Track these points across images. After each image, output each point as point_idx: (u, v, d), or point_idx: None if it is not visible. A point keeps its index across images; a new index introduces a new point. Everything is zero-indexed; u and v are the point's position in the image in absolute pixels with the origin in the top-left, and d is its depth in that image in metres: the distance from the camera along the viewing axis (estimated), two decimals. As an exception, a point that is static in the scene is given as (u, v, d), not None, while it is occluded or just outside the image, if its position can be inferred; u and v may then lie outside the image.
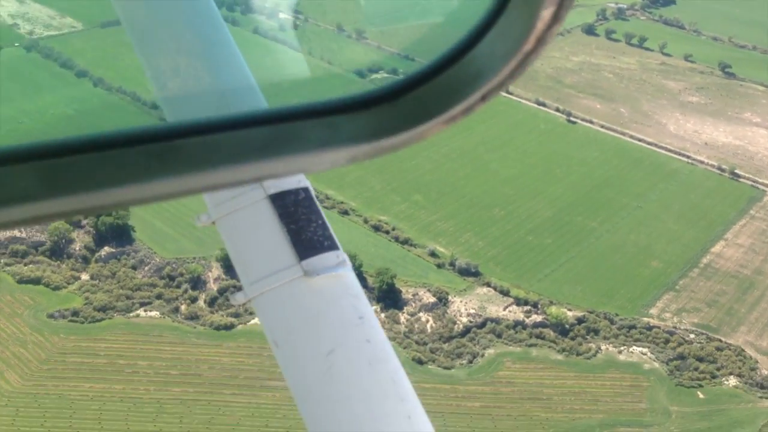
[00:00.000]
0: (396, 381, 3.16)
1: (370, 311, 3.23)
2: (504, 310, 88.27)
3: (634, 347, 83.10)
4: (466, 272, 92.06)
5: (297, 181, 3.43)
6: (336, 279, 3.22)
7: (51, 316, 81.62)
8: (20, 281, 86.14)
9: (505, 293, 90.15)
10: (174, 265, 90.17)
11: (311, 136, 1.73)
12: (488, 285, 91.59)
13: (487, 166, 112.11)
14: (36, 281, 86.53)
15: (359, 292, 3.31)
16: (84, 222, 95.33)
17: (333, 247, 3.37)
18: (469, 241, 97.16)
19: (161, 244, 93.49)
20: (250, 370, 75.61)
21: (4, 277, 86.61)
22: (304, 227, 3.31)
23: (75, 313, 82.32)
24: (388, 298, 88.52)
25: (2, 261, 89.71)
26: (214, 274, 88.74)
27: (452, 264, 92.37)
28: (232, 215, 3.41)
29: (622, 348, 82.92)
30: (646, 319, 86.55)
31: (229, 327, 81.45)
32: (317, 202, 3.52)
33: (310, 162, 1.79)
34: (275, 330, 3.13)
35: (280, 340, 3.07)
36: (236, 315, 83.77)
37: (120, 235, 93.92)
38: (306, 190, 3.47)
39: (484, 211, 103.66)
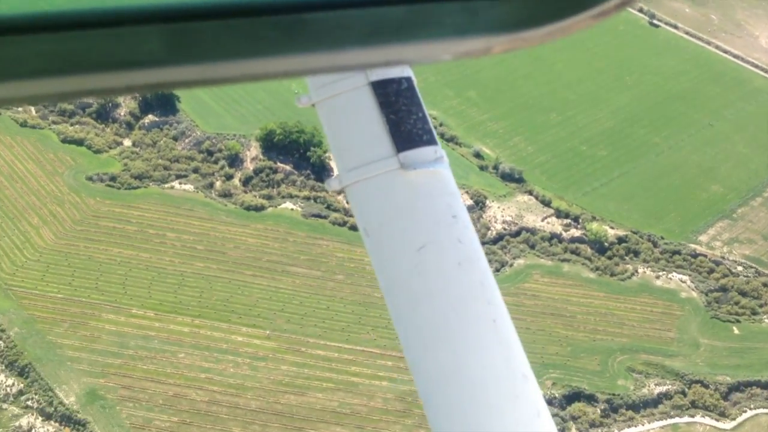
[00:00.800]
0: (484, 284, 3.05)
1: (464, 211, 3.17)
2: (542, 221, 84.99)
3: (674, 274, 79.12)
4: (509, 177, 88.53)
5: (400, 69, 3.28)
6: (432, 175, 3.13)
7: (90, 178, 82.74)
8: (64, 140, 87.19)
9: (546, 203, 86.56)
10: (214, 140, 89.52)
11: (447, 20, 1.56)
12: (530, 193, 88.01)
13: (551, 67, 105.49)
14: (79, 142, 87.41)
15: (455, 190, 3.23)
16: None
17: (432, 141, 3.25)
18: (517, 145, 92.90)
19: (204, 118, 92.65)
20: (273, 253, 75.57)
21: (50, 135, 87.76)
22: (404, 118, 3.21)
23: (113, 178, 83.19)
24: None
25: (50, 119, 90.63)
26: (252, 153, 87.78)
27: (496, 167, 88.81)
28: (332, 99, 3.30)
29: (660, 273, 79.09)
30: (693, 246, 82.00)
31: (259, 208, 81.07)
32: (419, 94, 3.34)
33: (442, 49, 1.61)
34: (367, 219, 3.06)
35: (371, 230, 3.01)
36: (268, 197, 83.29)
37: (165, 105, 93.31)
38: (409, 80, 3.34)
39: (539, 114, 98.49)
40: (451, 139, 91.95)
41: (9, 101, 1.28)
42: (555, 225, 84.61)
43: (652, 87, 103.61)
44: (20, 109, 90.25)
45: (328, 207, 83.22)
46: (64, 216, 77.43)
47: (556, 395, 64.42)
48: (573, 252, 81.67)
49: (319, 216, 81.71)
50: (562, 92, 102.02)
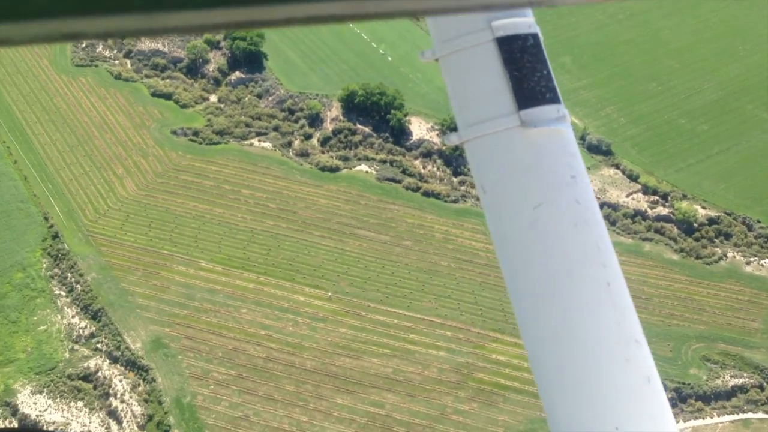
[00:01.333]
0: (600, 246, 3.01)
1: (583, 172, 3.10)
2: (627, 196, 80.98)
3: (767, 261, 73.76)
4: (596, 149, 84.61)
5: (527, 25, 3.25)
6: (554, 134, 3.09)
7: (174, 132, 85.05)
8: (154, 94, 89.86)
9: (633, 179, 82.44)
10: (296, 99, 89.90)
11: None
12: (617, 167, 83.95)
13: (656, 34, 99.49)
14: (168, 96, 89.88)
15: (575, 150, 3.15)
16: (221, 43, 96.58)
17: (555, 100, 3.22)
18: (610, 115, 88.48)
19: (289, 76, 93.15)
20: (343, 215, 75.52)
21: (141, 88, 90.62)
22: (527, 75, 3.16)
23: (195, 133, 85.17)
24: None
25: (143, 72, 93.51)
26: (332, 113, 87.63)
27: (582, 138, 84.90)
28: (456, 55, 3.30)
29: (752, 259, 73.92)
30: (792, 232, 76.04)
31: (334, 169, 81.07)
32: (545, 51, 3.28)
33: None
34: (484, 176, 3.03)
35: (488, 186, 2.99)
36: (344, 159, 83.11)
37: (252, 62, 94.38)
38: (535, 36, 3.29)
39: (638, 83, 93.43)
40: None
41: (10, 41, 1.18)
42: (640, 202, 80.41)
43: (765, 58, 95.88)
44: (116, 61, 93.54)
45: (404, 171, 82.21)
46: (147, 168, 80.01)
47: (621, 380, 61.53)
48: (657, 231, 77.40)
49: (393, 180, 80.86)
50: (665, 60, 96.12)
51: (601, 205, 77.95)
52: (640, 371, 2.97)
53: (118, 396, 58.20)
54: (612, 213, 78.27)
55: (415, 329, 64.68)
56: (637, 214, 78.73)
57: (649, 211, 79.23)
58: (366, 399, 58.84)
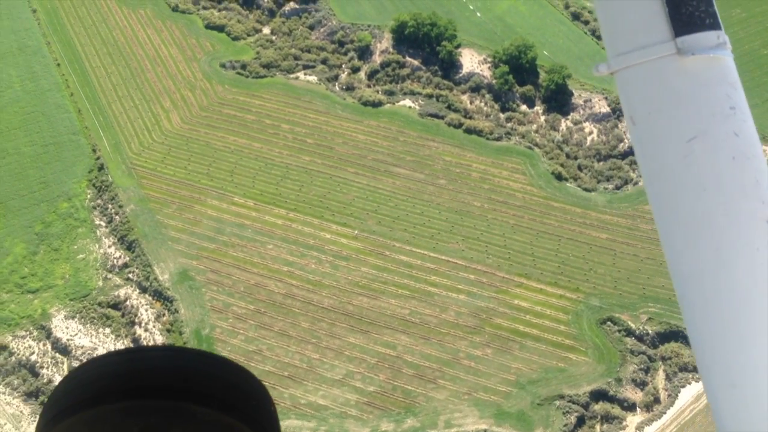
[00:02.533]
0: (760, 182, 2.80)
1: (744, 103, 2.91)
2: (688, 135, 75.29)
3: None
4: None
5: None
6: (712, 62, 2.90)
7: (223, 65, 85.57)
8: (207, 26, 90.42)
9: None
10: (347, 31, 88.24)
11: None
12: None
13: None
14: (220, 29, 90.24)
15: (736, 80, 2.94)
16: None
17: (715, 26, 3.01)
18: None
19: (342, 6, 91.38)
20: (380, 152, 74.41)
21: (196, 20, 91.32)
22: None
23: (243, 66, 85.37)
24: (554, 99, 79.67)
25: (201, 3, 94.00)
26: (382, 45, 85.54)
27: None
28: None
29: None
30: None
31: (376, 104, 79.58)
32: None
33: None
34: (636, 107, 2.93)
35: (639, 118, 2.89)
36: (389, 93, 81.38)
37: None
38: None
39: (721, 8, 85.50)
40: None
41: None
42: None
43: None
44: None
45: (449, 107, 79.70)
46: (193, 101, 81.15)
47: (649, 332, 58.68)
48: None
49: (436, 116, 78.60)
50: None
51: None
52: None
53: (143, 325, 60.76)
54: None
55: (438, 271, 63.64)
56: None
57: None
58: (379, 339, 58.85)
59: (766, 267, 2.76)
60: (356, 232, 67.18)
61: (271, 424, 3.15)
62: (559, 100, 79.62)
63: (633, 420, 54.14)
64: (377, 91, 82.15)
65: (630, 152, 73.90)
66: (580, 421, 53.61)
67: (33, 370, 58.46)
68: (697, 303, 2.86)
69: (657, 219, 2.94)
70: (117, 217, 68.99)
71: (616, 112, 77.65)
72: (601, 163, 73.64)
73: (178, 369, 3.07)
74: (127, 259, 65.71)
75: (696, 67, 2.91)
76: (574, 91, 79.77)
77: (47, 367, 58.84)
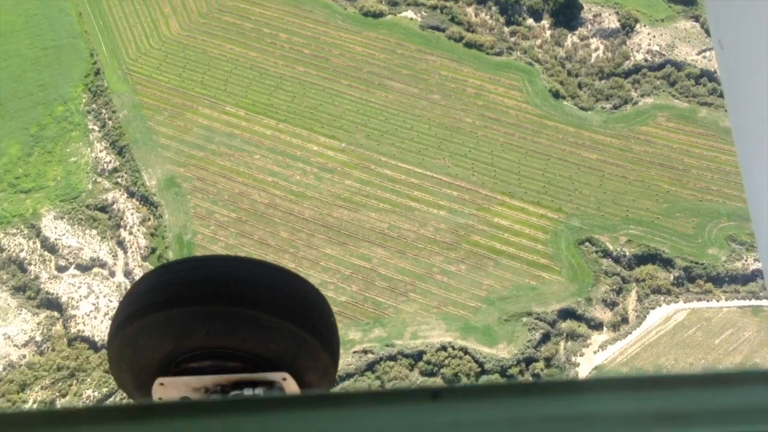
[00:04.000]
0: None
1: None
2: (698, 54, 72.69)
3: None
4: (675, -3, 75.41)
5: None
6: None
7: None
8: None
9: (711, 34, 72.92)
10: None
11: None
12: (696, 19, 74.80)
13: None
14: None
15: None
16: None
17: None
18: (699, -42, 77.54)
19: None
20: (375, 64, 73.23)
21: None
22: None
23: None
24: (562, 14, 76.75)
25: None
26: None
27: (659, -17, 75.69)
28: None
29: (828, 133, 64.93)
30: None
31: (377, 15, 77.76)
32: None
33: None
34: (724, 30, 2.80)
35: (728, 42, 2.76)
36: (393, 3, 79.32)
37: None
38: None
39: None
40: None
41: None
42: (713, 61, 71.70)
43: None
44: None
45: (452, 19, 77.47)
46: (193, 7, 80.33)
47: (627, 253, 58.10)
48: (722, 95, 69.23)
49: (437, 28, 76.60)
50: None
51: (664, 63, 70.90)
52: None
53: (128, 228, 62.32)
54: (674, 72, 70.87)
55: (422, 186, 63.43)
56: (704, 75, 70.83)
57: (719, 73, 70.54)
58: (355, 252, 59.47)
59: None
60: (343, 144, 66.97)
61: (332, 334, 3.49)
62: (567, 14, 76.71)
63: (598, 339, 54.35)
64: (380, 1, 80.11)
65: (634, 70, 71.52)
66: (545, 337, 54.00)
67: (22, 266, 60.78)
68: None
69: (738, 149, 2.82)
70: (110, 122, 69.82)
71: (626, 28, 74.68)
72: (602, 82, 71.41)
73: (245, 278, 3.36)
74: (117, 164, 66.84)
75: None
76: (584, 5, 76.69)
77: (35, 264, 61.08)
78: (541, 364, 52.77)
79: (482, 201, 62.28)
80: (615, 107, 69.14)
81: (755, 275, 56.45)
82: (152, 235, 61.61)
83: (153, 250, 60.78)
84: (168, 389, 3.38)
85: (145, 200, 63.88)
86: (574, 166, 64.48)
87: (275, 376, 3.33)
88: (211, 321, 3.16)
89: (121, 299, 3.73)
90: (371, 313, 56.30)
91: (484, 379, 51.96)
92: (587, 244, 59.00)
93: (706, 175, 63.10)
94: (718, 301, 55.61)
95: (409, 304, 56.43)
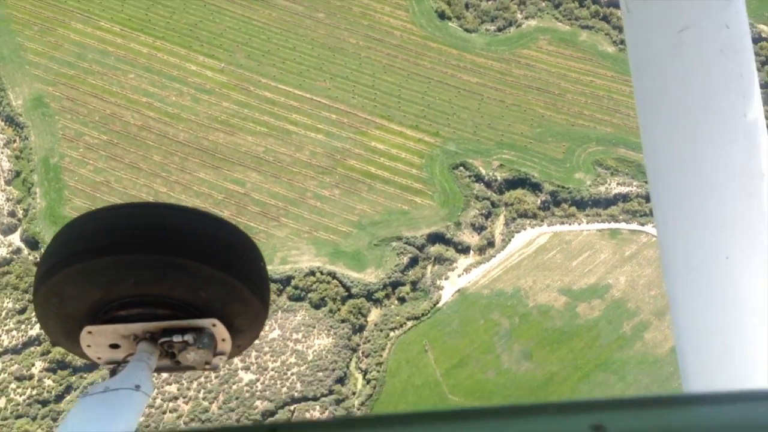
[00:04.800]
0: (744, 75, 2.82)
1: None
2: (585, -24, 72.26)
3: None
4: None
5: None
6: None
7: None
8: None
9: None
10: None
11: None
12: (586, -61, 74.07)
13: None
14: None
15: None
16: None
17: None
18: None
19: None
20: (259, -21, 70.63)
21: None
22: None
23: None
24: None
25: None
26: None
27: None
28: None
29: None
30: (762, 27, 67.67)
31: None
32: None
33: None
34: None
35: (633, 5, 2.82)
36: None
37: None
38: None
39: None
40: None
41: None
42: (599, -17, 71.84)
43: None
44: None
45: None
46: None
47: (498, 178, 59.25)
48: (604, 18, 69.88)
49: (325, -58, 73.93)
50: None
51: (550, -15, 70.35)
52: (759, 205, 2.83)
53: (-8, 151, 60.01)
54: (562, -7, 70.72)
55: (301, 109, 62.71)
56: (597, -3, 70.83)
57: (605, -4, 71.01)
58: (229, 176, 58.92)
59: (737, 160, 2.81)
60: (222, 65, 65.24)
61: (262, 279, 3.44)
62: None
63: (464, 262, 55.95)
64: None
65: (521, -8, 71.11)
66: (413, 261, 55.26)
67: None
68: (668, 190, 2.92)
69: (639, 109, 2.93)
70: (-25, 37, 66.00)
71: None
72: (489, 2, 70.90)
73: (172, 225, 3.27)
74: (-17, 83, 63.62)
75: None
76: None
77: None
78: (407, 288, 54.17)
79: (361, 125, 62.12)
80: (499, 29, 69.01)
81: (617, 199, 58.58)
82: (17, 158, 59.55)
83: (18, 174, 58.88)
84: (96, 337, 3.36)
85: (10, 121, 61.39)
86: (454, 90, 64.62)
87: (205, 322, 3.34)
88: (138, 269, 3.14)
89: (45, 246, 3.42)
90: (242, 238, 56.28)
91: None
92: (461, 168, 59.85)
93: (581, 99, 64.21)
94: (579, 224, 57.65)
95: (281, 229, 56.68)
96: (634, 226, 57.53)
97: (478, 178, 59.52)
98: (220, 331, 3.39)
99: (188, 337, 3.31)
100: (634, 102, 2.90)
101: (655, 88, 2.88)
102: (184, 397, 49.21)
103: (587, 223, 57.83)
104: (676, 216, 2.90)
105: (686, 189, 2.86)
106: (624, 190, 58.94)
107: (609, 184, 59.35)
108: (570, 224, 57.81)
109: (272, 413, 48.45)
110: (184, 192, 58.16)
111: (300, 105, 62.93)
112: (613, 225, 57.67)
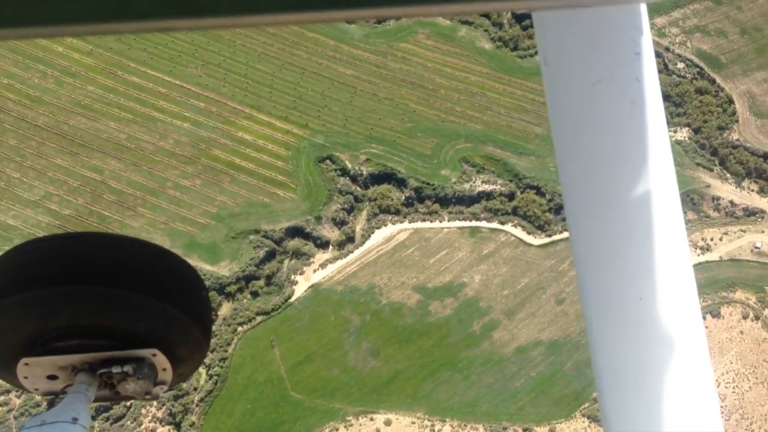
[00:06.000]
0: (654, 125, 2.91)
1: (650, 49, 2.99)
2: (470, -30, 72.16)
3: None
4: None
5: None
6: (623, 7, 3.02)
7: None
8: None
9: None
10: None
11: None
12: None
13: None
14: None
15: (643, 25, 3.02)
16: None
17: None
18: None
19: None
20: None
21: None
22: None
23: None
24: None
25: None
26: None
27: None
28: None
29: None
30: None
31: None
32: None
33: None
34: (548, 48, 2.99)
35: (551, 59, 2.96)
36: None
37: None
38: None
39: None
40: None
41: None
42: (484, -22, 71.77)
43: None
44: None
45: None
46: None
47: (364, 172, 59.14)
48: (484, 14, 69.95)
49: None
50: None
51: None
52: (670, 250, 2.91)
53: None
54: (444, -12, 70.36)
55: (169, 96, 61.40)
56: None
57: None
58: (87, 163, 57.45)
59: (649, 206, 2.87)
60: (91, 47, 63.33)
61: (203, 308, 3.35)
62: None
63: (321, 257, 55.83)
64: None
65: (406, -16, 70.63)
66: (270, 255, 54.90)
67: None
68: (587, 242, 3.01)
69: (558, 157, 3.02)
70: None
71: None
72: (372, -7, 70.29)
73: (110, 255, 3.18)
74: None
75: (607, 11, 2.93)
76: None
77: None
78: (261, 282, 53.83)
79: (229, 114, 61.21)
80: (378, 21, 68.54)
81: (480, 197, 59.11)
82: None
83: None
84: (33, 368, 3.30)
85: None
86: (328, 81, 64.10)
87: (145, 352, 3.29)
88: (77, 301, 3.08)
89: None
90: (94, 227, 55.15)
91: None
92: (328, 161, 59.55)
93: (453, 95, 64.41)
94: (441, 222, 58.01)
95: (136, 219, 55.63)
96: (495, 224, 58.19)
97: (344, 171, 59.33)
98: (161, 360, 3.35)
99: (128, 368, 3.27)
100: (555, 155, 3.07)
101: (572, 137, 3.01)
102: (17, 391, 48.13)
103: (449, 220, 58.25)
104: (594, 260, 3.01)
105: (602, 234, 2.99)
106: (488, 188, 59.50)
107: (474, 182, 59.83)
108: (432, 221, 58.13)
109: (107, 409, 47.76)
110: (38, 178, 56.55)
111: (168, 92, 61.63)
112: (474, 223, 58.22)
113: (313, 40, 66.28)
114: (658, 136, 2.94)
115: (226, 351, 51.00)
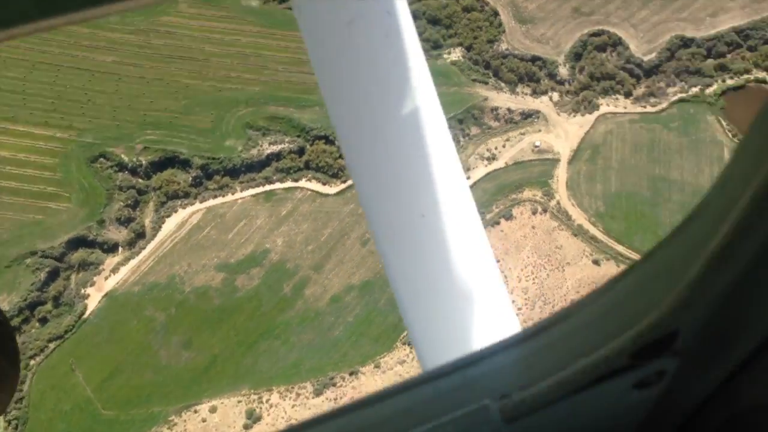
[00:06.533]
0: (410, 52, 3.12)
1: None
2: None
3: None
4: None
5: None
6: None
7: None
8: None
9: None
10: None
11: None
12: None
13: None
14: None
15: None
16: None
17: None
18: None
19: None
20: None
21: None
22: None
23: None
24: None
25: None
26: None
27: None
28: None
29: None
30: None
31: None
32: None
33: None
34: None
35: (304, 7, 3.04)
36: None
37: None
38: None
39: None
40: None
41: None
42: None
43: None
44: None
45: None
46: None
47: (143, 162, 55.09)
48: (246, -29, 66.37)
49: None
50: None
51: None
52: (451, 183, 3.04)
53: None
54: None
55: None
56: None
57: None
58: None
59: (419, 126, 2.95)
60: None
61: (11, 360, 3.03)
62: None
63: (112, 261, 51.83)
64: None
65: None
66: (53, 275, 50.39)
67: None
68: (361, 168, 3.02)
69: (325, 98, 3.00)
70: None
71: None
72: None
73: None
74: None
75: None
76: None
77: None
78: (48, 306, 49.37)
79: None
80: (132, 0, 63.88)
81: (270, 159, 56.39)
82: None
83: None
84: None
85: None
86: (87, 74, 59.20)
87: None
88: None
89: None
90: None
91: None
92: (102, 160, 55.14)
93: (226, 62, 60.95)
94: (234, 194, 55.04)
95: None
96: (289, 183, 55.74)
97: (121, 166, 55.14)
98: None
99: None
100: (324, 99, 2.97)
101: (335, 77, 3.00)
102: None
103: (241, 191, 55.33)
104: (374, 187, 3.03)
105: (378, 162, 3.01)
106: (276, 148, 56.80)
107: (261, 146, 56.97)
108: (224, 196, 55.04)
109: None
110: None
111: None
112: (268, 187, 55.57)
113: (65, 32, 60.92)
114: (416, 61, 3.04)
115: (21, 390, 46.51)
